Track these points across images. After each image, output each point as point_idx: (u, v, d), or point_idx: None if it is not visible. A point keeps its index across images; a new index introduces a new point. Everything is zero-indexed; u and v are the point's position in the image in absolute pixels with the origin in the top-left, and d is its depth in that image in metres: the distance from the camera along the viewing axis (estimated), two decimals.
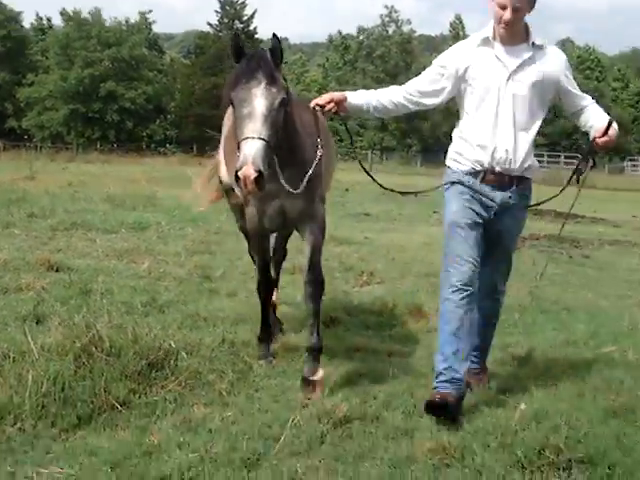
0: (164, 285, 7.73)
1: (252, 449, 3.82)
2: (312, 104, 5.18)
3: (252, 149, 4.31)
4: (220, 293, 7.58)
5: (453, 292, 4.70)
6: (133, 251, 9.61)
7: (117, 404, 4.32)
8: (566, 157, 62.08)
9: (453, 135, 5.14)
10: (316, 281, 5.30)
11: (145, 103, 72.18)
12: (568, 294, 8.50)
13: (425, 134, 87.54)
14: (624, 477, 3.68)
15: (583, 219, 18.23)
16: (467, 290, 4.69)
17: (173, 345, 4.96)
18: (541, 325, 6.82)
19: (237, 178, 4.30)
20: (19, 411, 4.09)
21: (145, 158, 52.42)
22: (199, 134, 73.09)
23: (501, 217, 4.88)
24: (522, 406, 4.34)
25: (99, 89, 68.64)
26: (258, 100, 4.55)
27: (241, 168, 4.27)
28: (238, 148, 4.44)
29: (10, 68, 76.85)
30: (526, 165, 4.89)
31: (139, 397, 4.46)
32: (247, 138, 4.38)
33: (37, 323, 5.79)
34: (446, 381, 4.55)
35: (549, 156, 61.58)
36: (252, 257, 6.18)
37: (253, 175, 4.22)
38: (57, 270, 8.10)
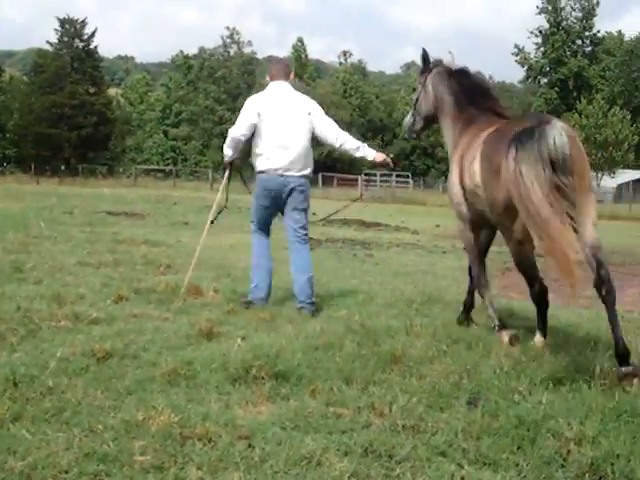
0: None
1: (29, 374, 4.98)
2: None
3: None
4: (28, 280, 8.62)
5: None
6: None
7: None
8: (397, 176, 64.48)
9: None
10: None
11: None
12: (336, 281, 9.97)
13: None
14: (308, 385, 5.03)
15: (387, 227, 20.21)
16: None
17: None
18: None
19: None
20: None
21: None
22: (37, 153, 72.52)
23: None
24: (239, 340, 5.70)
25: None
26: None
27: None
28: None
29: None
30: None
31: None
32: None
33: None
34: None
35: (381, 175, 63.78)
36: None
37: None
38: None
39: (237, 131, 8.03)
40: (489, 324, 6.81)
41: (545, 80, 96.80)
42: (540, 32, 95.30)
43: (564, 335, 6.87)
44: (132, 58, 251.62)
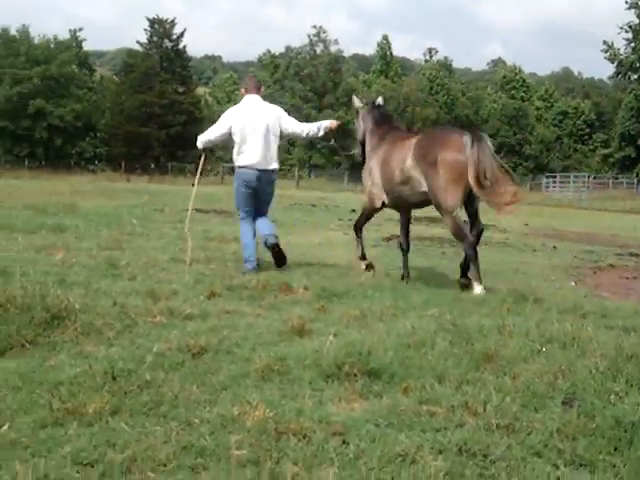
0: (74, 271, 8.93)
1: (126, 368, 5.10)
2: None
3: None
4: (122, 277, 8.78)
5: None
6: (50, 246, 10.77)
7: (26, 342, 5.56)
8: None
9: None
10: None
11: (74, 120, 72.48)
12: (426, 279, 9.92)
13: (352, 152, 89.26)
14: (400, 383, 5.04)
15: None
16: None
17: (72, 301, 6.28)
18: (387, 297, 8.20)
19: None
20: None
21: (74, 175, 52.91)
22: (128, 151, 73.92)
23: None
24: (331, 337, 5.71)
25: (28, 106, 68.78)
26: None
27: None
28: None
29: None
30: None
31: (44, 339, 5.73)
32: None
33: None
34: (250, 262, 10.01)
35: None
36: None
37: None
38: None
39: (210, 135, 10.68)
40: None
41: (635, 76, 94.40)
42: (630, 27, 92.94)
43: None
44: (219, 57, 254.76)
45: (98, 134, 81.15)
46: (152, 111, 77.00)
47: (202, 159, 11.06)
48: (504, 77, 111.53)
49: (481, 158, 8.59)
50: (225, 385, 4.87)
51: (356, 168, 79.87)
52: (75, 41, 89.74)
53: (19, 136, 70.29)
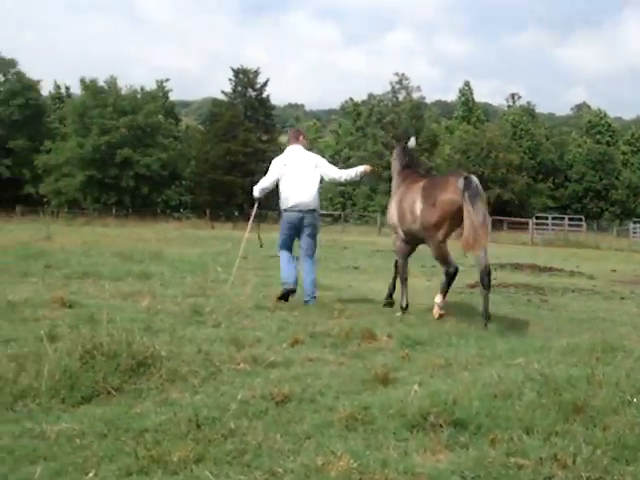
0: (160, 317, 9.04)
1: (210, 416, 5.11)
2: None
3: None
4: (207, 324, 8.84)
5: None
6: (136, 293, 10.92)
7: (112, 389, 5.61)
8: (570, 219, 62.88)
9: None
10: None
11: (160, 169, 73.71)
12: (512, 328, 9.76)
13: None
14: (487, 434, 4.94)
15: (561, 272, 19.71)
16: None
17: (157, 348, 6.34)
18: (472, 345, 8.10)
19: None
20: (37, 392, 5.42)
21: (160, 222, 53.81)
22: (212, 199, 74.91)
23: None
24: (416, 387, 5.64)
25: (115, 156, 70.20)
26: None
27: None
28: None
29: (28, 135, 78.90)
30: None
31: (129, 386, 5.79)
32: None
33: (52, 341, 7.07)
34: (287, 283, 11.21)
35: (553, 218, 62.41)
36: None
37: None
38: (70, 307, 9.46)
39: (264, 183, 12.05)
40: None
41: None
42: None
43: None
44: (302, 106, 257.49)
45: (183, 182, 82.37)
46: (236, 159, 77.98)
47: (255, 207, 12.76)
48: (589, 122, 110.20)
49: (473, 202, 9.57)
50: (309, 434, 4.84)
51: None
52: (162, 91, 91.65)
53: (107, 185, 71.72)
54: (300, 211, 11.44)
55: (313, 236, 11.68)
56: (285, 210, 11.58)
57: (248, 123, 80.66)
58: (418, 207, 10.22)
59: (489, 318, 9.84)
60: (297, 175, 11.55)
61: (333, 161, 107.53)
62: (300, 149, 11.96)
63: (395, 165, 11.80)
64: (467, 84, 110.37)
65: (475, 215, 9.44)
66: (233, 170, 77.60)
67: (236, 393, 5.56)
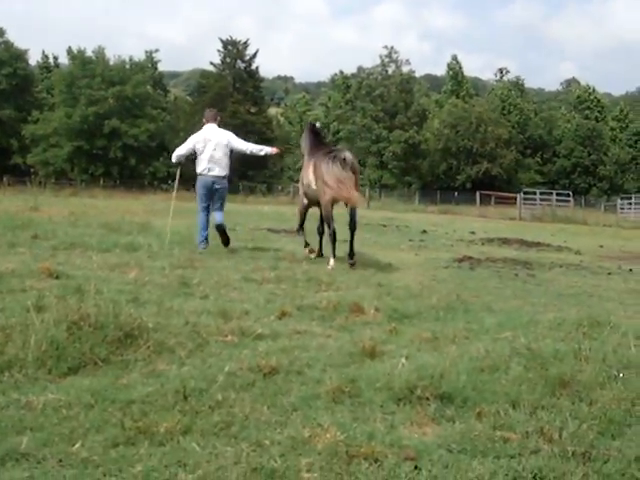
0: (147, 289, 9.01)
1: (198, 387, 5.11)
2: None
3: None
4: (194, 296, 8.82)
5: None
6: (124, 265, 10.86)
7: (99, 360, 5.59)
8: (558, 194, 62.97)
9: None
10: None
11: (149, 140, 73.47)
12: (498, 301, 9.78)
13: (423, 172, 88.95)
14: (474, 408, 4.96)
15: (548, 247, 19.79)
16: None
17: (145, 319, 6.33)
18: (459, 319, 8.12)
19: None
20: (23, 363, 5.39)
21: (147, 194, 53.58)
22: None
23: None
24: (403, 360, 5.65)
25: (103, 126, 70.01)
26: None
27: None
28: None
29: (16, 105, 78.57)
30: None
31: (116, 357, 5.77)
32: None
33: (38, 312, 7.03)
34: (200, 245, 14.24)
35: (541, 194, 62.48)
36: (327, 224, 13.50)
37: None
38: (57, 277, 9.39)
39: (180, 151, 15.15)
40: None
41: None
42: None
43: None
44: (291, 78, 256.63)
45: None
46: None
47: (179, 171, 15.94)
48: (578, 97, 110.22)
49: (337, 171, 12.77)
50: (296, 406, 4.85)
51: (427, 188, 79.80)
52: (150, 62, 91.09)
53: (94, 155, 71.51)
54: (214, 176, 14.67)
55: (222, 197, 14.98)
56: (200, 174, 14.77)
57: (237, 95, 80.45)
58: (325, 177, 12.96)
59: (353, 257, 13.09)
60: (213, 149, 14.67)
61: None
62: (216, 127, 15.06)
63: (305, 142, 15.06)
64: (455, 58, 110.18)
65: (341, 174, 12.72)
66: None
67: (223, 365, 5.57)
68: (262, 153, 15.41)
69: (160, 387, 5.00)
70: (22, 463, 3.91)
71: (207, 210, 14.81)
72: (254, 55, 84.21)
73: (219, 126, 15.25)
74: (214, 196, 14.76)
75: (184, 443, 4.16)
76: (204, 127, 15.09)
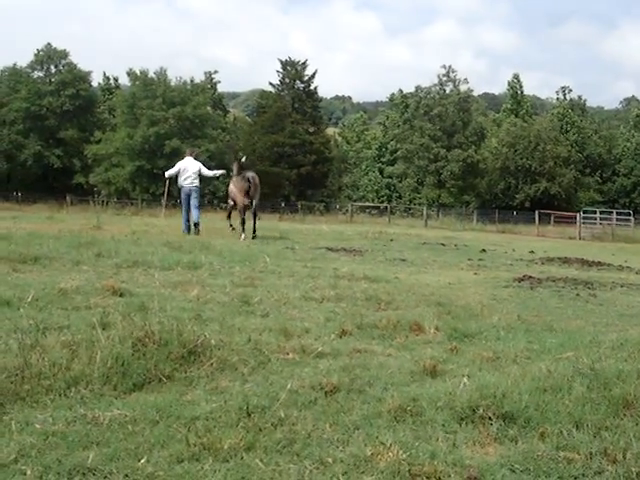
0: (209, 307, 9.12)
1: (260, 404, 5.17)
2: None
3: None
4: (255, 314, 8.90)
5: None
6: (186, 283, 11.00)
7: (163, 377, 5.70)
8: (618, 214, 62.05)
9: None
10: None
11: (208, 160, 74.02)
12: (560, 321, 9.69)
13: (482, 191, 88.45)
14: (536, 428, 4.94)
15: (609, 266, 19.54)
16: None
17: (208, 337, 6.42)
18: (520, 339, 8.07)
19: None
20: (89, 379, 5.51)
21: (208, 213, 54.06)
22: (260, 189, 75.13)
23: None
24: (465, 379, 5.65)
25: (164, 146, 70.82)
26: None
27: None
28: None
29: (78, 126, 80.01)
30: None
31: (180, 373, 5.87)
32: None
33: (103, 329, 7.16)
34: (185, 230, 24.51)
35: (601, 212, 61.65)
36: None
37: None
38: (121, 295, 9.56)
39: (170, 172, 25.44)
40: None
41: None
42: None
43: None
44: (349, 98, 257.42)
45: (231, 173, 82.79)
46: (283, 151, 78.34)
47: (167, 184, 26.80)
48: (637, 115, 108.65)
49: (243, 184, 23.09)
50: (358, 425, 4.87)
51: (485, 207, 79.25)
52: (210, 83, 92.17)
53: (155, 175, 72.26)
54: (190, 186, 24.35)
55: (197, 199, 24.33)
56: (182, 186, 24.44)
57: (295, 115, 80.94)
58: (238, 188, 23.07)
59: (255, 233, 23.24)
60: (189, 171, 24.47)
61: (380, 153, 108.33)
62: (191, 159, 24.95)
63: (234, 168, 23.52)
64: (516, 77, 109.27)
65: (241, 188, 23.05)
66: (280, 161, 77.97)
67: (285, 383, 5.62)
68: (217, 175, 27.06)
69: (223, 404, 5.07)
70: (89, 477, 3.99)
71: (187, 211, 24.38)
72: (313, 75, 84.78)
73: (195, 158, 25.22)
74: (191, 200, 24.21)
75: (248, 459, 4.21)
76: (185, 158, 25.35)
